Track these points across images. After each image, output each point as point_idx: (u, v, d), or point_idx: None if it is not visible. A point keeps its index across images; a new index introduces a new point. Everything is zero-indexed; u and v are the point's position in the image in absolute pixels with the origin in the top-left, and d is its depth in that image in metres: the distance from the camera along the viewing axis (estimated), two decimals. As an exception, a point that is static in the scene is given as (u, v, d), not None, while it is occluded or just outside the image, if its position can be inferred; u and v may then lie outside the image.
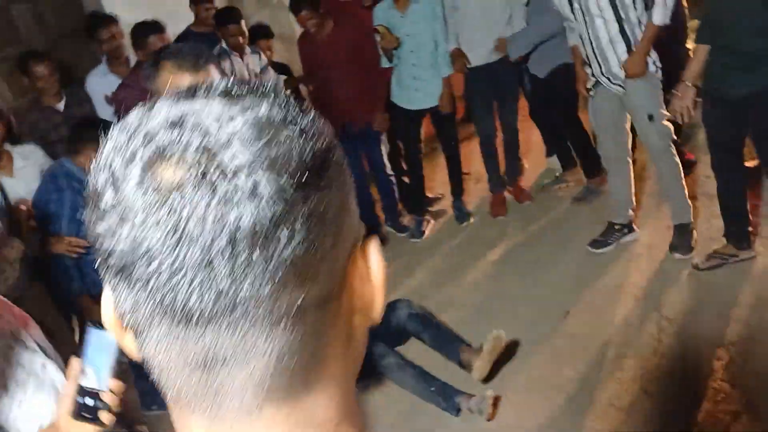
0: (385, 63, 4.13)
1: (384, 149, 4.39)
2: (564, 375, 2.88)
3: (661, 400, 2.66)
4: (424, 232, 4.40)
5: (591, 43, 3.36)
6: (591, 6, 3.27)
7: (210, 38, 4.44)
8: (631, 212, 3.70)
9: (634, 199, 3.70)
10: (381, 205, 4.58)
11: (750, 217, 3.28)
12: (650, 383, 2.75)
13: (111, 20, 3.86)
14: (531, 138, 4.86)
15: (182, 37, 4.54)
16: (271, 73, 4.18)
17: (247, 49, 4.06)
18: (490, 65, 4.10)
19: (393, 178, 4.47)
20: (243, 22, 4.02)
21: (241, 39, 3.95)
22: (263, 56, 4.17)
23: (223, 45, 3.95)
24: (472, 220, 4.45)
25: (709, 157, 3.26)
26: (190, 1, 4.43)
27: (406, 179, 4.60)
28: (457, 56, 4.06)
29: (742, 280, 3.19)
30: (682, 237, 3.46)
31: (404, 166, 4.58)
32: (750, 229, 3.29)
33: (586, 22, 3.33)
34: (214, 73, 1.79)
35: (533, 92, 4.35)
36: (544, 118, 4.45)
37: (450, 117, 4.29)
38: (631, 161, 3.63)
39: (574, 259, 3.71)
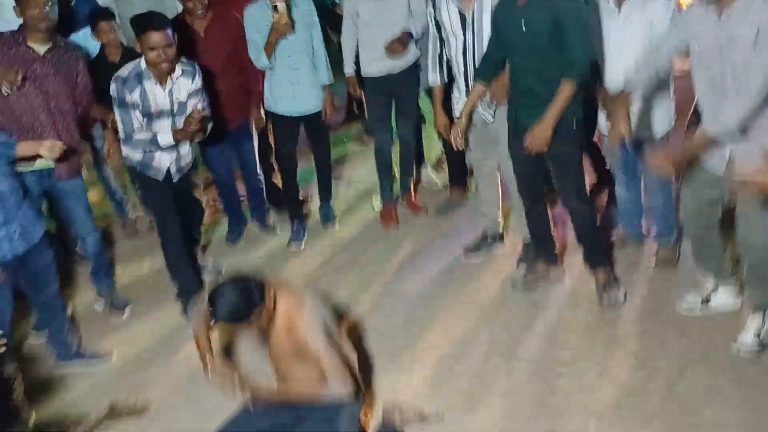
0: (263, 64, 4.00)
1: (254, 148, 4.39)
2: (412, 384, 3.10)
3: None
4: (302, 241, 4.40)
5: (473, 62, 3.49)
6: (485, 20, 3.39)
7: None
8: (500, 225, 4.04)
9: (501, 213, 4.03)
10: (249, 204, 4.58)
11: (554, 238, 3.70)
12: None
13: None
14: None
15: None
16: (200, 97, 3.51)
17: (178, 70, 3.36)
18: (390, 76, 4.19)
19: (262, 178, 4.49)
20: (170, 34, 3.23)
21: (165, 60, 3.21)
22: (198, 77, 3.45)
23: (143, 66, 3.28)
24: (337, 225, 4.56)
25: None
26: None
27: (275, 180, 4.63)
28: (352, 82, 4.27)
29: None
30: (529, 253, 3.83)
31: (274, 166, 4.60)
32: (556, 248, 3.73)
33: (474, 38, 3.45)
34: None
35: None
36: None
37: (323, 123, 4.33)
38: (499, 179, 3.92)
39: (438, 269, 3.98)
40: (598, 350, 3.21)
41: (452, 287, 3.79)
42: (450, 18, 3.49)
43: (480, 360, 3.22)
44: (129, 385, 3.21)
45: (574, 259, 3.79)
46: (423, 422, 2.79)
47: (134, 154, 3.42)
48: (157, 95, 3.31)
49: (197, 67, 3.46)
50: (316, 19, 4.07)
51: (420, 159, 4.98)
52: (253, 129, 4.31)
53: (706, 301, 3.34)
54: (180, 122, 3.40)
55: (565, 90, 3.06)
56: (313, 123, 4.26)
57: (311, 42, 4.07)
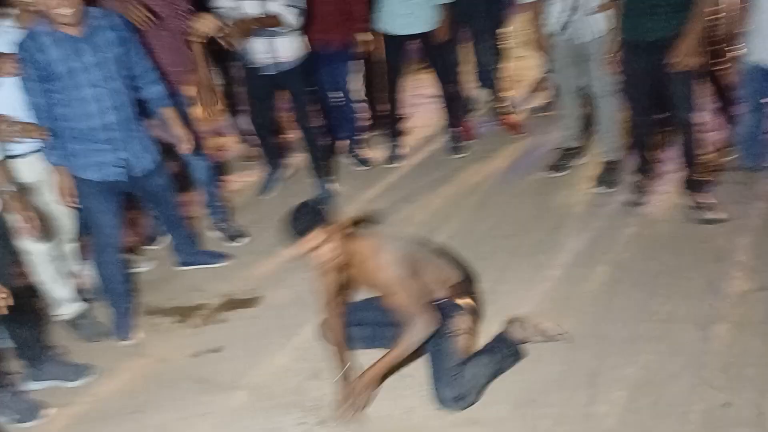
0: None
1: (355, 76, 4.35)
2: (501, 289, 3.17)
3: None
4: (402, 156, 4.44)
5: None
6: None
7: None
8: (580, 140, 4.10)
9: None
10: (342, 134, 4.53)
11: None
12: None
13: None
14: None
15: None
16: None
17: None
18: None
19: (356, 106, 4.43)
20: None
21: None
22: None
23: None
24: (466, 153, 4.43)
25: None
26: None
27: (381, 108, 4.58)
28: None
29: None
30: (610, 173, 3.86)
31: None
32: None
33: None
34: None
35: None
36: None
37: (447, 44, 4.19)
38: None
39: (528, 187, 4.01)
40: (702, 262, 3.16)
41: (538, 200, 3.84)
42: None
43: (571, 266, 3.25)
44: (243, 280, 3.44)
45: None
46: (549, 340, 2.73)
47: None
48: None
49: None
50: None
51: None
52: (356, 52, 4.27)
53: None
54: None
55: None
56: (430, 41, 4.15)
57: None
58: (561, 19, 3.62)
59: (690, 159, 3.47)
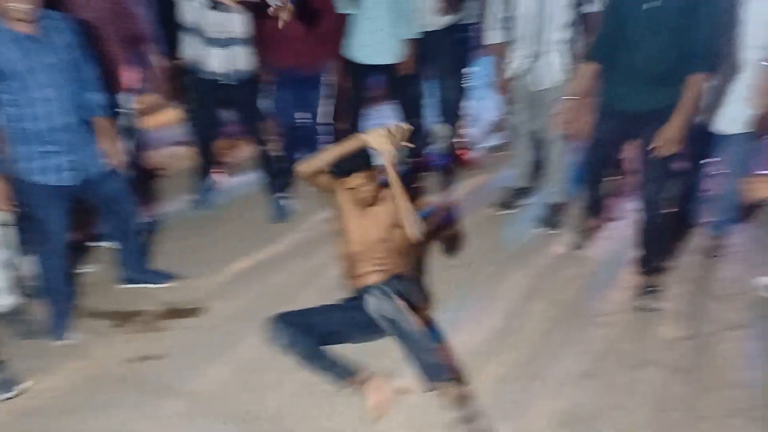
0: (350, 7, 4.01)
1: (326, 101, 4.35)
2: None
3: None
4: None
5: (546, 19, 3.57)
6: None
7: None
8: (528, 179, 4.23)
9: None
10: (302, 154, 4.43)
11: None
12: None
13: None
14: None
15: None
16: None
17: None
18: (434, 32, 4.25)
19: (320, 128, 4.41)
20: None
21: None
22: None
23: None
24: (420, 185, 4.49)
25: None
26: None
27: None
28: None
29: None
30: (554, 214, 4.00)
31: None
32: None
33: None
34: None
35: None
36: None
37: (411, 78, 4.26)
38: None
39: (476, 222, 4.10)
40: (638, 307, 3.28)
41: (484, 235, 3.93)
42: None
43: (510, 302, 3.34)
44: (187, 290, 3.43)
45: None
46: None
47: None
48: None
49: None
50: None
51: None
52: (325, 78, 4.24)
53: None
54: None
55: (698, 84, 2.89)
56: (394, 73, 4.22)
57: None
58: (522, 64, 3.76)
59: (648, 243, 3.31)
